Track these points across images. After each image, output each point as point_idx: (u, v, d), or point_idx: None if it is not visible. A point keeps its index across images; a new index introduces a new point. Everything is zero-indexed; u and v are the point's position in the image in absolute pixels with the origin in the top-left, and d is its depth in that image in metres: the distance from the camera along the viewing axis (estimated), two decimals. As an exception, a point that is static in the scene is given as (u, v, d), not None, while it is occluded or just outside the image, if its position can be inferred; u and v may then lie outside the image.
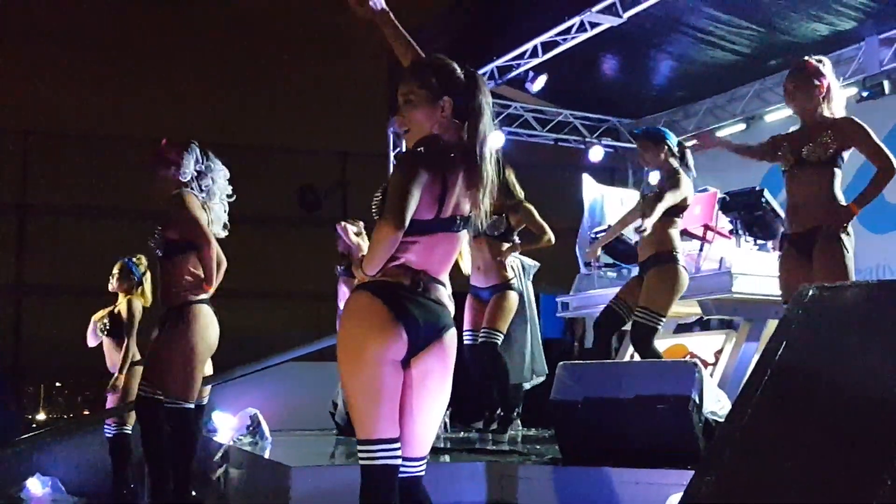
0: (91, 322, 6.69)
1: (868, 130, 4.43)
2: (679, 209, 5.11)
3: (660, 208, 4.92)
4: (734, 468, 2.34)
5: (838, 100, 4.51)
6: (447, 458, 4.54)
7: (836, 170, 4.45)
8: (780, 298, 5.53)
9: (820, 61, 4.51)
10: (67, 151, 13.49)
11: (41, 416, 15.96)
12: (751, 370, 5.67)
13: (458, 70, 2.80)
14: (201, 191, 4.54)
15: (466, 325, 6.16)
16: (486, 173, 2.68)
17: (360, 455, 2.61)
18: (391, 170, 2.59)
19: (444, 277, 2.77)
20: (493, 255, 6.03)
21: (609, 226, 7.40)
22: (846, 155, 4.49)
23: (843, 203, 4.43)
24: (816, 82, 4.45)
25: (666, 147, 5.26)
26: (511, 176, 6.12)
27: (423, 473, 2.71)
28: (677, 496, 3.28)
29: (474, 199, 2.70)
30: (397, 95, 2.80)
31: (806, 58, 4.55)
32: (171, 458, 4.37)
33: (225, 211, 4.67)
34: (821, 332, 2.69)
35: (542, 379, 6.41)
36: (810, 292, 2.78)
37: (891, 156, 4.40)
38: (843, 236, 4.36)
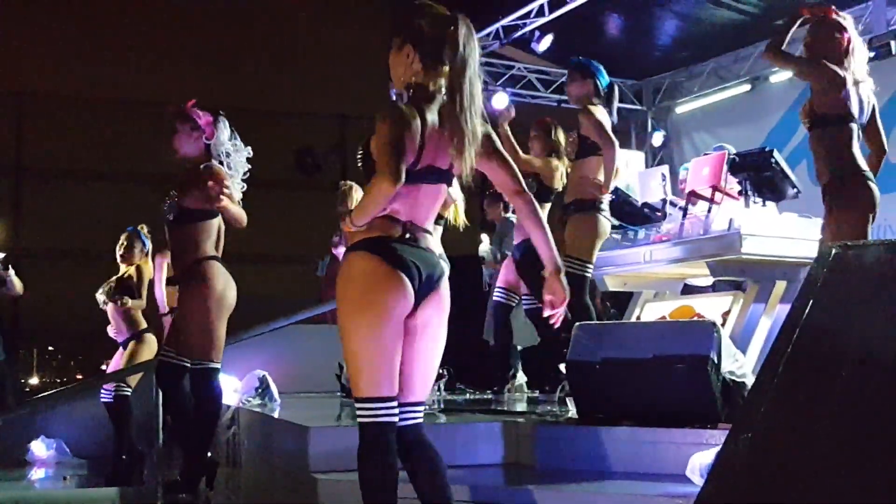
0: (101, 290, 6.69)
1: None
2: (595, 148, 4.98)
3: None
4: (770, 426, 2.32)
5: (861, 57, 4.42)
6: (463, 418, 4.52)
7: None
8: (789, 259, 5.56)
9: (840, 15, 4.42)
10: (62, 114, 13.39)
11: (34, 380, 15.97)
12: (764, 329, 5.69)
13: (436, 17, 2.72)
14: (228, 168, 4.47)
15: (500, 282, 6.03)
16: (466, 126, 2.62)
17: (363, 413, 2.62)
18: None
19: (430, 227, 2.77)
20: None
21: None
22: None
23: None
24: (838, 35, 4.35)
25: (592, 85, 5.13)
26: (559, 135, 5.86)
27: (422, 420, 2.75)
28: (700, 455, 3.28)
29: (456, 153, 2.64)
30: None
31: (828, 9, 4.43)
32: (194, 420, 4.35)
33: (241, 189, 4.59)
34: (846, 290, 2.68)
35: None
36: (834, 251, 2.76)
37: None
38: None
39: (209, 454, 4.48)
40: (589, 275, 4.95)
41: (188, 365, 4.34)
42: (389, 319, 2.59)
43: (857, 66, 4.38)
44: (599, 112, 4.96)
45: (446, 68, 2.66)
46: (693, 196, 6.43)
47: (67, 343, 16.47)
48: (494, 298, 6.02)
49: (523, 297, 5.97)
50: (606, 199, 5.05)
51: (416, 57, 2.70)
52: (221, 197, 4.19)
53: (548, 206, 5.72)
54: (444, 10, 2.74)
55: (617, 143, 4.99)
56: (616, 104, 5.17)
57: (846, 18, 4.41)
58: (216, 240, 4.50)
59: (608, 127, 4.97)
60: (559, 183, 5.72)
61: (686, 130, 10.86)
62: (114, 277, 6.65)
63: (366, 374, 2.60)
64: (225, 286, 4.39)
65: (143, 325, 6.61)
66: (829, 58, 4.33)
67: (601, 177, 4.97)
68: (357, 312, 2.59)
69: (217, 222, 4.47)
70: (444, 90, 2.68)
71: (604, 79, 5.10)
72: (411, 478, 2.71)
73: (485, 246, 7.59)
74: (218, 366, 4.35)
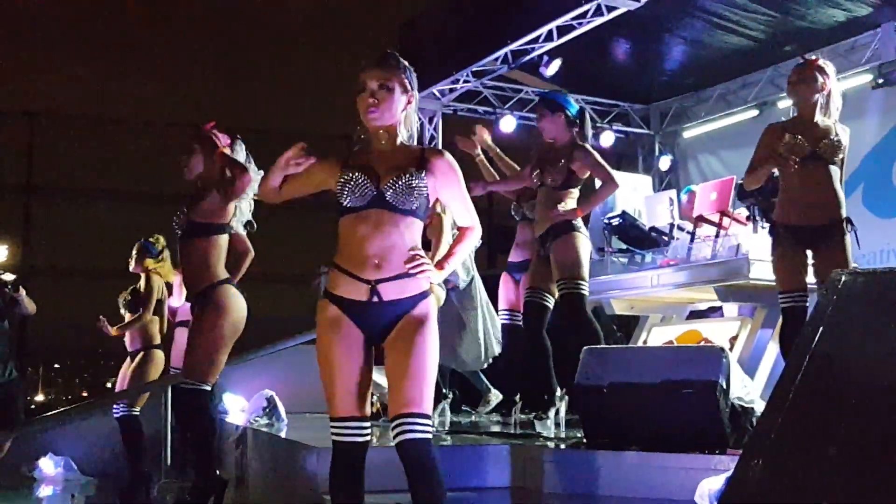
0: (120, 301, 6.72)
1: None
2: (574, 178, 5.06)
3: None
4: (780, 451, 2.33)
5: (836, 104, 4.61)
6: (471, 440, 4.53)
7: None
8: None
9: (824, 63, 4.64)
10: (73, 134, 13.47)
11: (39, 398, 15.98)
12: (772, 354, 5.69)
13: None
14: None
15: (503, 305, 5.98)
16: None
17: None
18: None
19: None
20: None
21: (623, 211, 7.38)
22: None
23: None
24: (820, 79, 4.55)
25: (563, 117, 5.16)
26: None
27: (424, 436, 2.72)
28: (709, 480, 3.28)
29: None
30: (367, 79, 2.87)
31: (813, 56, 4.69)
32: (191, 440, 4.36)
33: (250, 210, 4.63)
34: (855, 317, 2.70)
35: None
36: (843, 278, 2.78)
37: None
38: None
39: (218, 472, 4.49)
40: (585, 293, 4.96)
41: (185, 381, 4.35)
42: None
43: (833, 111, 4.62)
44: (592, 149, 5.05)
45: None
46: (701, 221, 6.46)
47: (74, 361, 16.51)
48: (502, 322, 6.00)
49: (500, 311, 5.94)
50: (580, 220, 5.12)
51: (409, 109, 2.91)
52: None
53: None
54: None
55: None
56: (589, 128, 5.21)
57: (829, 66, 4.63)
58: (229, 258, 4.52)
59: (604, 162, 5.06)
60: None
61: (693, 155, 10.87)
62: (131, 288, 6.67)
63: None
64: (238, 314, 4.41)
65: (157, 340, 6.60)
66: (810, 96, 4.58)
67: (572, 205, 5.03)
68: None
69: (225, 239, 4.49)
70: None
71: (572, 108, 5.16)
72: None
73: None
74: (209, 388, 4.36)
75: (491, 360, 6.10)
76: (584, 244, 4.98)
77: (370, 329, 2.80)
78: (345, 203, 2.81)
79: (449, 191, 2.88)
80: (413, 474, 2.69)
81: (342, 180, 2.81)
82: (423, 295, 2.82)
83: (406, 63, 2.93)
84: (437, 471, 2.72)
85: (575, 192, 5.08)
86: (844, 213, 4.51)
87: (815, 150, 4.49)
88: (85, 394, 16.84)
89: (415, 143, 2.98)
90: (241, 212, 4.55)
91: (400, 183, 2.77)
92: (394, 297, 2.77)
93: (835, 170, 4.53)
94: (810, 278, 4.59)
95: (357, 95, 2.88)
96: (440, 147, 8.26)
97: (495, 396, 6.18)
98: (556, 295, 5.05)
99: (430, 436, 2.73)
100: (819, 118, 4.55)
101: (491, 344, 5.93)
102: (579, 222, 5.02)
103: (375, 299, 2.77)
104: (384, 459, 2.95)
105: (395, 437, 2.69)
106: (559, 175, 5.03)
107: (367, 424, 2.80)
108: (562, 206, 4.98)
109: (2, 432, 6.21)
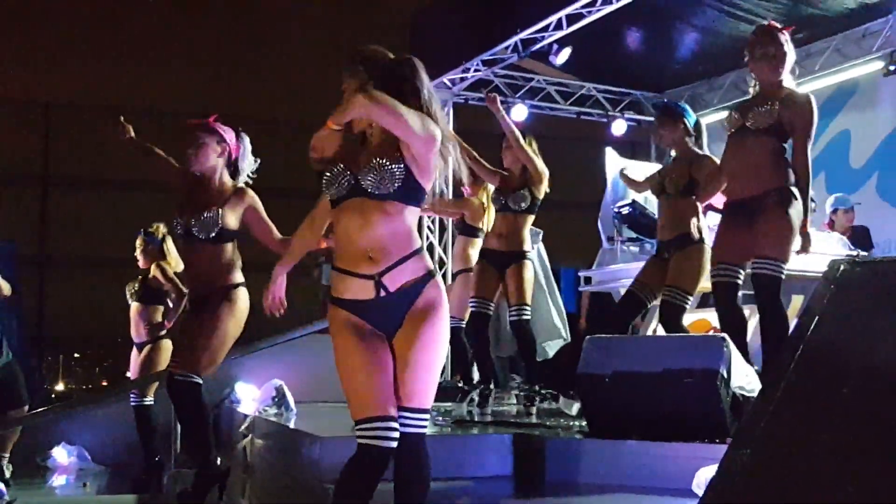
0: (127, 292, 6.80)
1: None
2: (698, 188, 5.10)
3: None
4: (769, 443, 2.33)
5: (788, 66, 4.59)
6: (474, 430, 4.55)
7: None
8: (806, 274, 5.53)
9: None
10: (89, 124, 13.53)
11: (60, 387, 16.12)
12: (784, 345, 5.68)
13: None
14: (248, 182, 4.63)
15: (473, 292, 5.86)
16: None
17: None
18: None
19: None
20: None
21: (633, 200, 7.38)
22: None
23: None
24: (785, 49, 4.54)
25: (682, 125, 5.22)
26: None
27: (418, 430, 2.74)
28: (706, 469, 3.29)
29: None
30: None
31: (772, 22, 4.68)
32: (185, 430, 4.41)
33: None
34: (852, 306, 2.69)
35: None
36: (841, 267, 2.77)
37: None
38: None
39: (219, 461, 4.53)
40: (687, 306, 5.16)
41: (177, 372, 4.38)
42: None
43: (787, 77, 4.63)
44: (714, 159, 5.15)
45: None
46: (710, 209, 6.45)
47: (94, 350, 16.61)
48: (471, 309, 5.97)
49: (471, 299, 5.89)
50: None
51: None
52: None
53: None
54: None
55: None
56: (705, 138, 5.34)
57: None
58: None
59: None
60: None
61: (706, 143, 10.83)
62: (140, 278, 6.75)
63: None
64: (245, 314, 4.49)
65: (164, 329, 6.68)
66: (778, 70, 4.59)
67: (692, 213, 5.15)
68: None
69: (235, 244, 4.57)
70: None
71: (691, 118, 5.24)
72: None
73: None
74: (200, 381, 4.36)
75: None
76: (706, 257, 4.99)
77: (384, 325, 2.77)
78: (329, 196, 2.83)
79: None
80: (401, 467, 2.70)
81: (326, 175, 2.83)
82: (428, 276, 2.79)
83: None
84: (425, 468, 2.72)
85: (693, 200, 5.15)
86: (788, 184, 4.44)
87: (744, 122, 4.49)
88: (105, 383, 16.96)
89: None
90: None
91: (373, 167, 2.75)
92: (400, 283, 2.75)
93: (768, 140, 4.46)
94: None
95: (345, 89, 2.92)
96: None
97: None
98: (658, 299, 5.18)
99: (424, 431, 2.74)
100: (766, 89, 4.54)
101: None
102: (704, 231, 5.13)
103: (383, 293, 2.75)
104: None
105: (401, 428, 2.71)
106: (677, 181, 5.11)
107: (395, 425, 2.71)
108: (693, 215, 5.07)
109: (13, 411, 6.31)
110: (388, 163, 2.74)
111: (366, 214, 2.75)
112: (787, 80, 4.59)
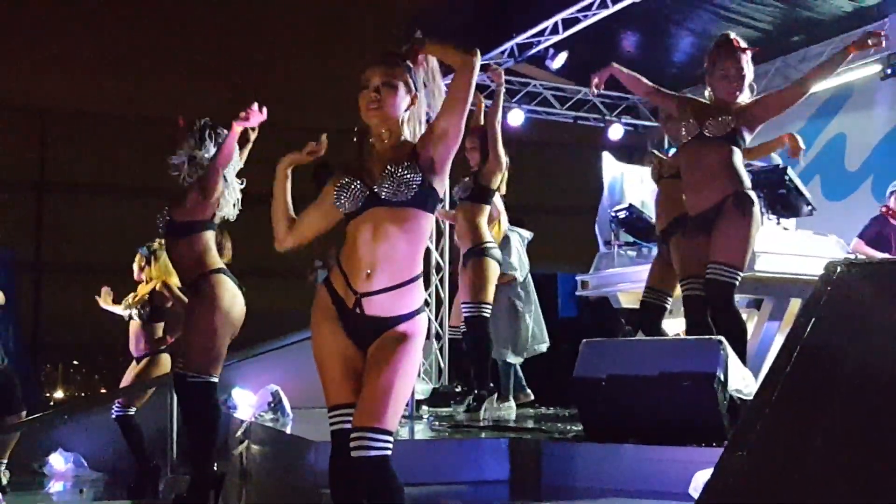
0: (122, 303, 6.69)
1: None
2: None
3: None
4: (765, 445, 2.32)
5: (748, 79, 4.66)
6: (471, 434, 4.54)
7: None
8: (804, 277, 5.52)
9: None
10: (85, 130, 13.54)
11: (59, 394, 16.08)
12: (779, 347, 5.68)
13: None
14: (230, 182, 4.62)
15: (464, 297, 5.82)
16: None
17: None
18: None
19: None
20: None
21: (630, 204, 7.36)
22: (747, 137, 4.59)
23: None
24: (745, 72, 4.61)
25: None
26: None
27: (380, 453, 2.58)
28: (703, 473, 3.28)
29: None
30: (371, 75, 2.85)
31: (736, 39, 4.71)
32: (194, 433, 4.39)
33: (236, 204, 4.66)
34: (849, 308, 2.68)
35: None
36: (838, 268, 2.77)
37: None
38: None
39: (215, 467, 4.51)
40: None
41: (186, 373, 4.38)
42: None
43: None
44: None
45: None
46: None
47: (92, 357, 16.56)
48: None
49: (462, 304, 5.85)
50: None
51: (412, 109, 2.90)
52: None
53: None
54: None
55: None
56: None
57: None
58: (218, 249, 4.60)
59: None
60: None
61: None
62: (139, 296, 6.63)
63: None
64: (232, 302, 4.43)
65: (163, 344, 6.61)
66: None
67: None
68: None
69: (211, 234, 4.53)
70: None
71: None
72: None
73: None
74: (216, 380, 4.38)
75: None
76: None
77: (353, 334, 2.74)
78: (342, 210, 2.76)
79: (439, 122, 2.80)
80: (369, 492, 2.60)
81: (337, 187, 2.77)
82: (412, 314, 2.73)
83: (410, 63, 2.88)
84: (393, 489, 2.60)
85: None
86: (744, 188, 4.41)
87: (700, 130, 4.48)
88: (104, 390, 16.92)
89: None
90: (225, 199, 4.57)
91: (388, 174, 2.69)
92: (376, 313, 2.70)
93: (725, 146, 4.45)
94: None
95: (359, 92, 2.83)
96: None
97: (525, 396, 6.19)
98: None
99: (387, 453, 2.59)
100: (721, 103, 4.57)
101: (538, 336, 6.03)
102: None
103: (358, 311, 2.71)
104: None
105: (351, 451, 2.57)
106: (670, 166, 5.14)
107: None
108: None
109: (10, 416, 6.29)
110: (402, 169, 2.70)
111: (379, 224, 2.69)
112: (743, 97, 4.58)
